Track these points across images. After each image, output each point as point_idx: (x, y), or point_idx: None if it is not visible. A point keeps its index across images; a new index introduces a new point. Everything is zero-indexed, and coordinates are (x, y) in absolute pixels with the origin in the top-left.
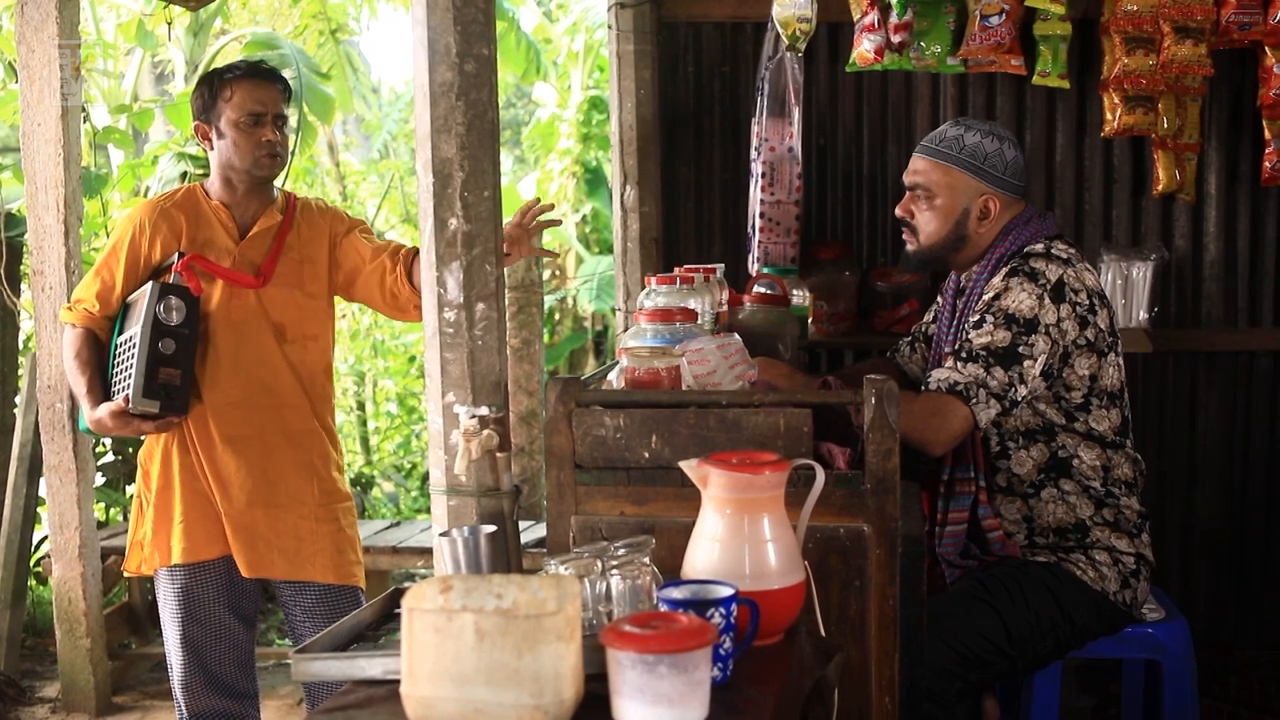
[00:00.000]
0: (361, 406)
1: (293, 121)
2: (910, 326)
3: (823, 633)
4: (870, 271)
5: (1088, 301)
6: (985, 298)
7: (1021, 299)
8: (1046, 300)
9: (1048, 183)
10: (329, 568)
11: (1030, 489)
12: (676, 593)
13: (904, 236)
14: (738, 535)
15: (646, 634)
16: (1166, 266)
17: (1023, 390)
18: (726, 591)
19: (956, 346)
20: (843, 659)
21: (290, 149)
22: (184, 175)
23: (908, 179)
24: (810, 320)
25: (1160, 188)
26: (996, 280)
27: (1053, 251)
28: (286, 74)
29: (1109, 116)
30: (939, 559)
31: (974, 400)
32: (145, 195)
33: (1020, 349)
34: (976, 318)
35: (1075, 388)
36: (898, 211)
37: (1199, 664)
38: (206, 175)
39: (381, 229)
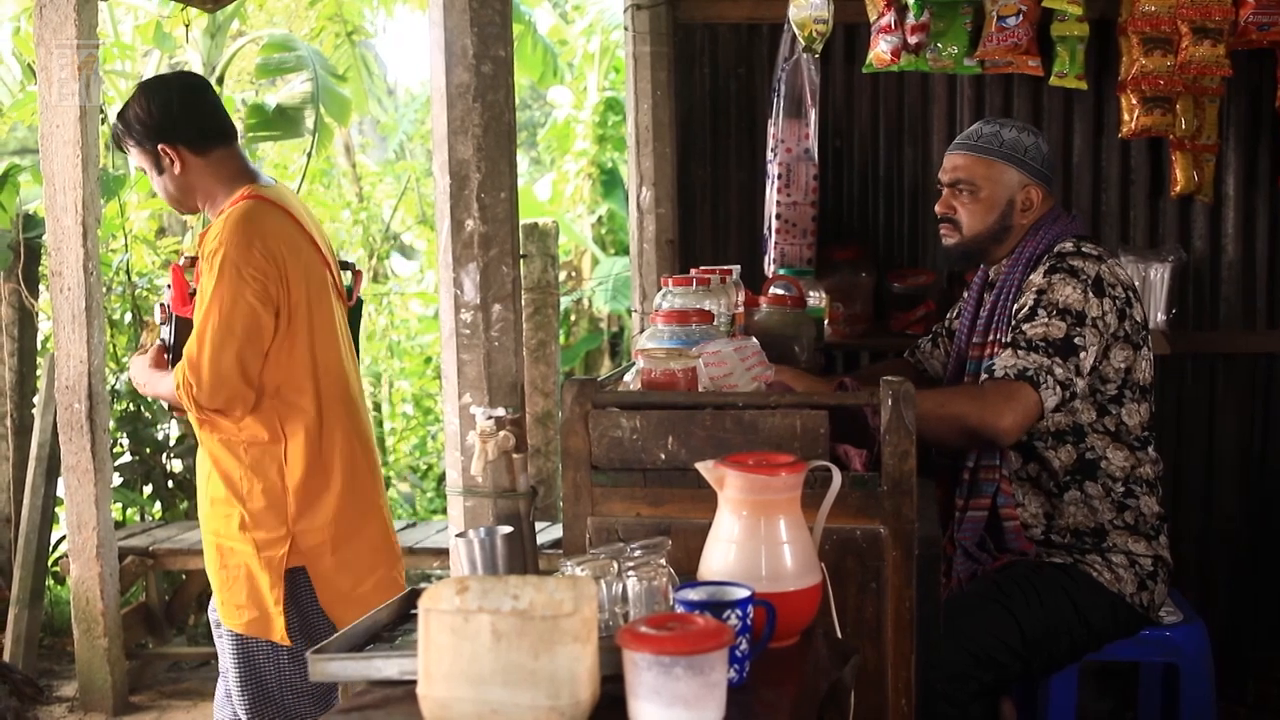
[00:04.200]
0: (378, 408)
1: (309, 123)
2: (926, 328)
3: (839, 634)
4: (886, 273)
5: (1124, 295)
6: (1031, 294)
7: (1068, 293)
8: (1090, 294)
9: (1065, 184)
10: (217, 601)
11: (1055, 488)
12: (693, 594)
13: (942, 232)
14: (754, 537)
15: (663, 635)
16: (1184, 268)
17: (1080, 383)
18: (743, 593)
19: (1012, 338)
20: (859, 661)
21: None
22: None
23: (946, 176)
24: (826, 322)
25: (1178, 189)
26: (1037, 278)
27: (1084, 249)
28: (303, 75)
29: (1126, 117)
30: (955, 544)
31: (1043, 385)
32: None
33: (1076, 340)
34: (1026, 311)
35: (1110, 380)
36: (938, 208)
37: (1217, 667)
38: None
39: (398, 230)
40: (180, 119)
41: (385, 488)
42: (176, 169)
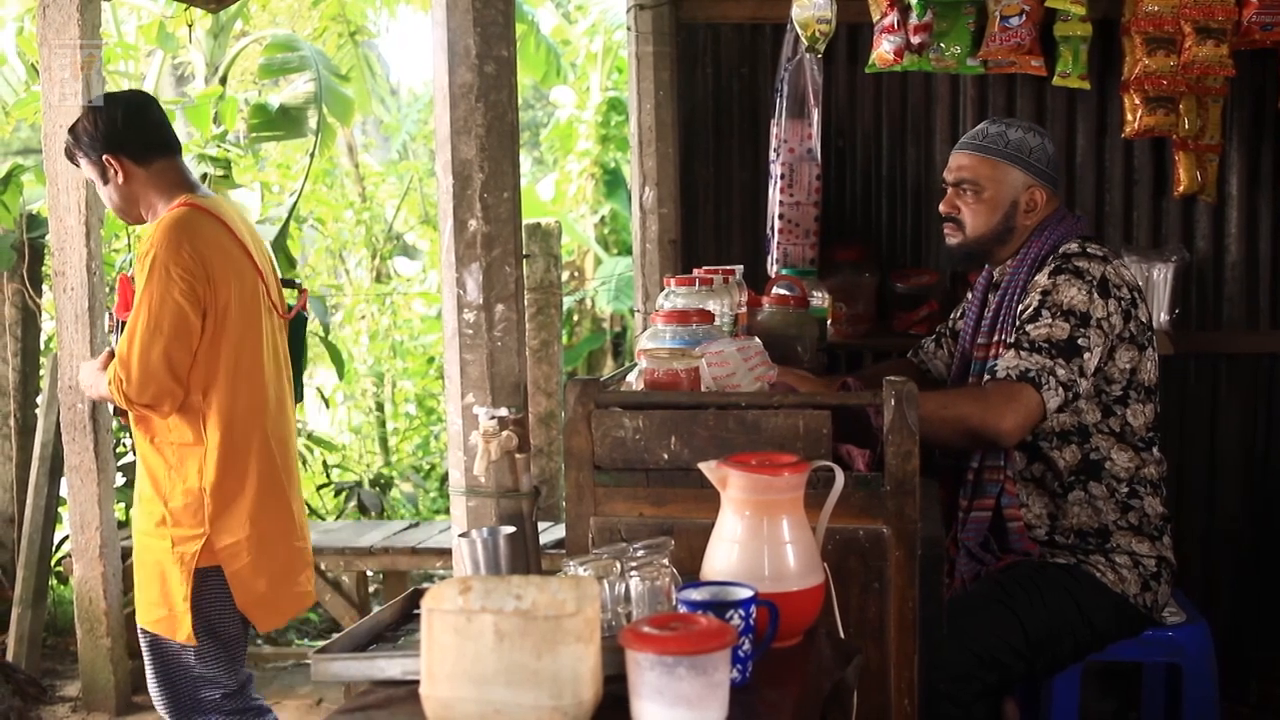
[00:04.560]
0: (380, 407)
1: (312, 123)
2: (929, 328)
3: (842, 635)
4: (890, 273)
5: (1129, 296)
6: (1036, 294)
7: (1073, 294)
8: (1095, 295)
9: (1069, 184)
10: (138, 601)
11: (1059, 488)
12: (695, 594)
13: (946, 231)
14: (757, 537)
15: (665, 635)
16: (1187, 268)
17: (1084, 384)
18: (745, 593)
19: (1015, 339)
20: (862, 661)
21: (117, 184)
22: (204, 177)
23: (951, 176)
24: (829, 322)
25: (1181, 189)
26: (1042, 279)
27: (1089, 250)
28: (306, 76)
29: (1130, 117)
30: (959, 544)
31: (1045, 387)
32: None
33: (1079, 341)
34: (1031, 312)
35: (1115, 380)
36: (942, 208)
37: (1220, 668)
38: (227, 177)
39: (401, 230)
40: (124, 132)
41: (301, 496)
42: (120, 179)
